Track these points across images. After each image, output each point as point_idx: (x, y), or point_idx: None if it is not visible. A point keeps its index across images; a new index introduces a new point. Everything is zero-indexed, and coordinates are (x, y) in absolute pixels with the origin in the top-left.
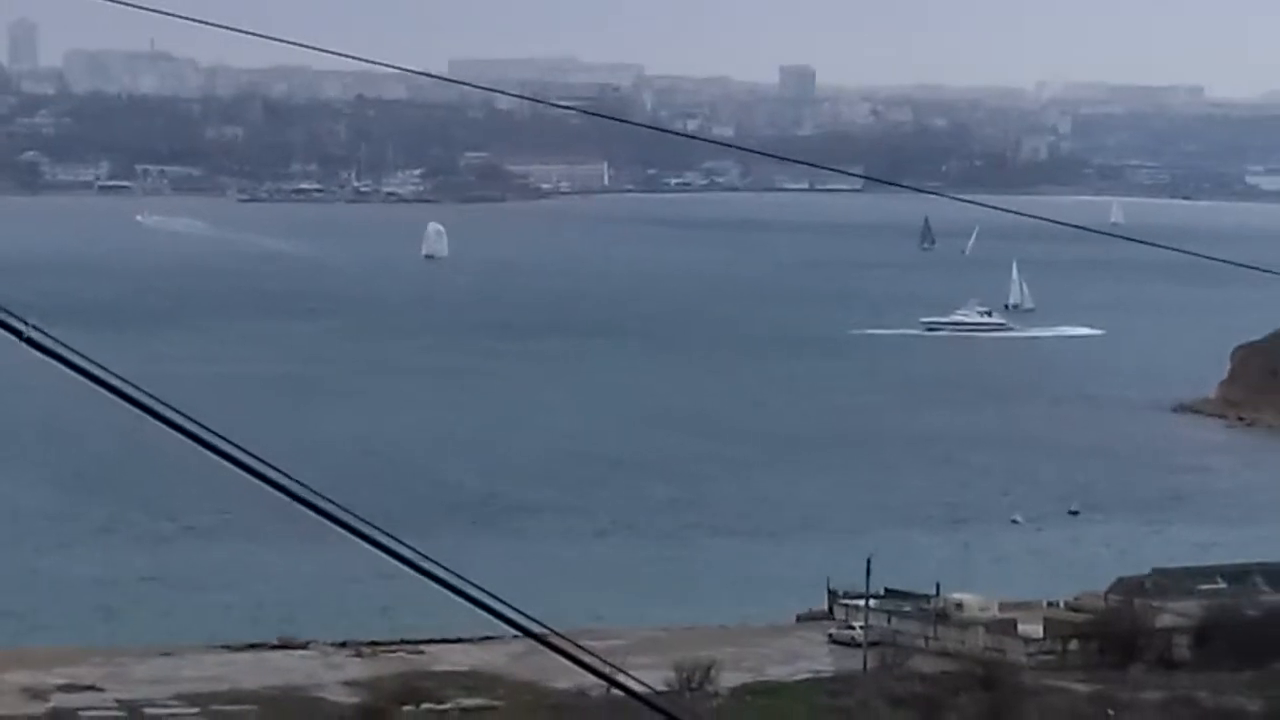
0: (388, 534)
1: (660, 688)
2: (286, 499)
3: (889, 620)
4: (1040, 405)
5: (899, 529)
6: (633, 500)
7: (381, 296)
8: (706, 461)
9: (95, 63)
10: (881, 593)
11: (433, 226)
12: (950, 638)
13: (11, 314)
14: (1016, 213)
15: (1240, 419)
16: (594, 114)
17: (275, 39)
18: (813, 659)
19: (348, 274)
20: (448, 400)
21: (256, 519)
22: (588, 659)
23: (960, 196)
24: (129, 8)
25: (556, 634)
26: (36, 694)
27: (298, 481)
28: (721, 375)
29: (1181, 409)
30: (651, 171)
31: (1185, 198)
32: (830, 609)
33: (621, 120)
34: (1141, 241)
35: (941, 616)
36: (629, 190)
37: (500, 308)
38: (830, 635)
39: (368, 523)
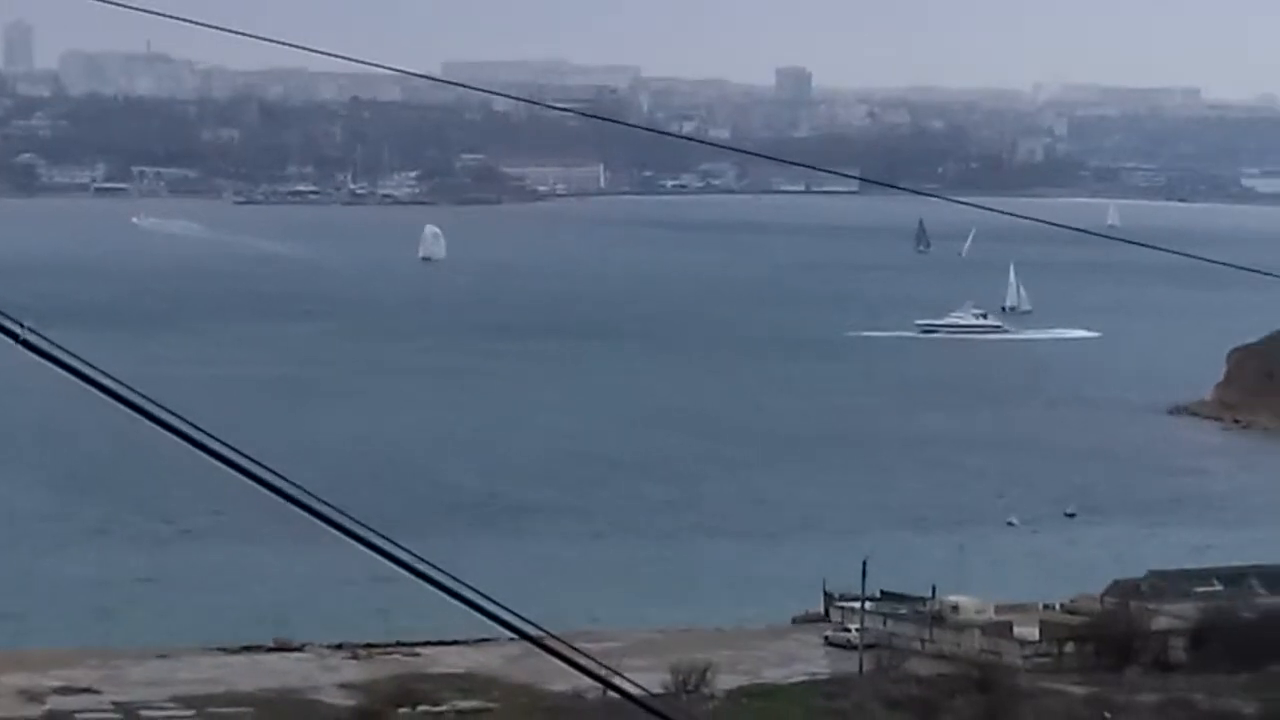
0: (383, 536)
1: (656, 690)
2: (282, 501)
3: (885, 622)
4: (1036, 407)
5: (895, 531)
6: (630, 501)
7: (378, 298)
8: (704, 462)
9: (91, 64)
10: (877, 595)
11: (429, 228)
12: (946, 640)
13: (8, 316)
14: (1013, 215)
15: (1236, 421)
16: (590, 116)
17: (271, 41)
18: (809, 661)
19: (344, 276)
20: (445, 401)
21: (252, 521)
22: (584, 661)
23: (957, 198)
24: (125, 10)
25: (552, 636)
26: (33, 696)
27: (293, 484)
28: (718, 376)
29: (1178, 411)
30: (648, 173)
31: (1181, 200)
32: (826, 611)
33: (617, 122)
34: (1139, 244)
35: (937, 619)
36: (625, 192)
37: (497, 309)
38: (826, 638)
39: (363, 525)
